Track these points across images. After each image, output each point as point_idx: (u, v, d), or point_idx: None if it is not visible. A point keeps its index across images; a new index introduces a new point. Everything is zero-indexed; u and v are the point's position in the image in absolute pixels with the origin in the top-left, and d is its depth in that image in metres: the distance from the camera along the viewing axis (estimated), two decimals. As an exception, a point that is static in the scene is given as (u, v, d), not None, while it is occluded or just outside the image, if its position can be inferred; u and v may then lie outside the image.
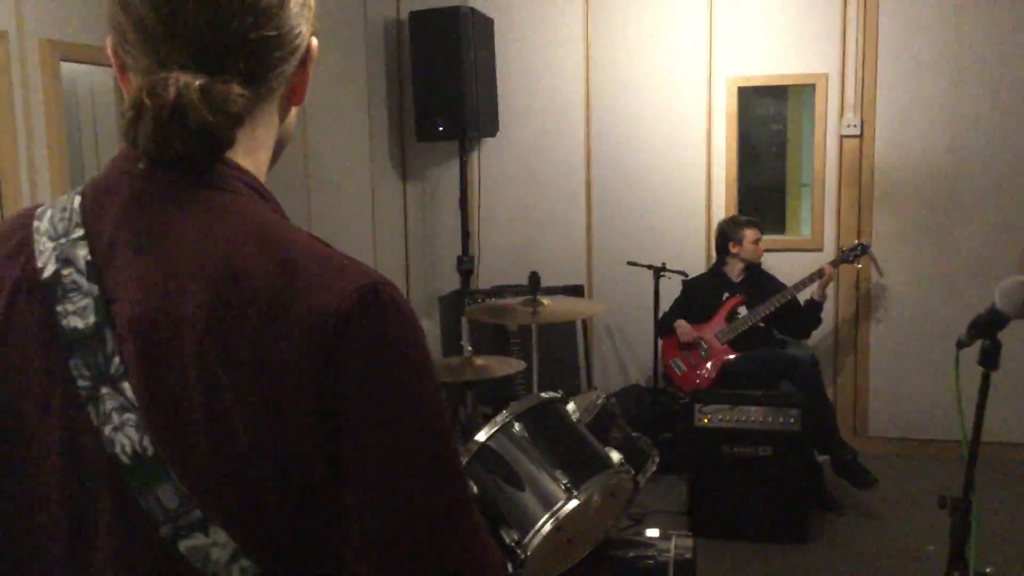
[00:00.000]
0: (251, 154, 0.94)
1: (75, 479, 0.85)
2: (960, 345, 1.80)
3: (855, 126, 5.04)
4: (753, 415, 4.03)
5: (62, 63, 2.94)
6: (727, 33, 5.16)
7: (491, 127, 5.28)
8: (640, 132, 5.30)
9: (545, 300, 3.26)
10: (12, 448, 0.87)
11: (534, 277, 3.29)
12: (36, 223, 0.90)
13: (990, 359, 1.68)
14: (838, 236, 5.15)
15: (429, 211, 5.69)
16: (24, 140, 2.87)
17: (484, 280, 5.53)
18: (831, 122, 5.10)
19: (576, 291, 5.20)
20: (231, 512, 0.83)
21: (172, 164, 0.86)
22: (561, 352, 5.18)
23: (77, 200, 0.90)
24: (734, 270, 4.87)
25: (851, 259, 4.83)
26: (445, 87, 4.89)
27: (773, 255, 5.06)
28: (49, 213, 0.90)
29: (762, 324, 4.75)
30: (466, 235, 5.33)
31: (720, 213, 5.19)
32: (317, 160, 4.49)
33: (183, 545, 0.82)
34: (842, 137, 5.09)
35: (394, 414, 0.84)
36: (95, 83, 3.17)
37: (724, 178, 5.25)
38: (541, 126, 5.43)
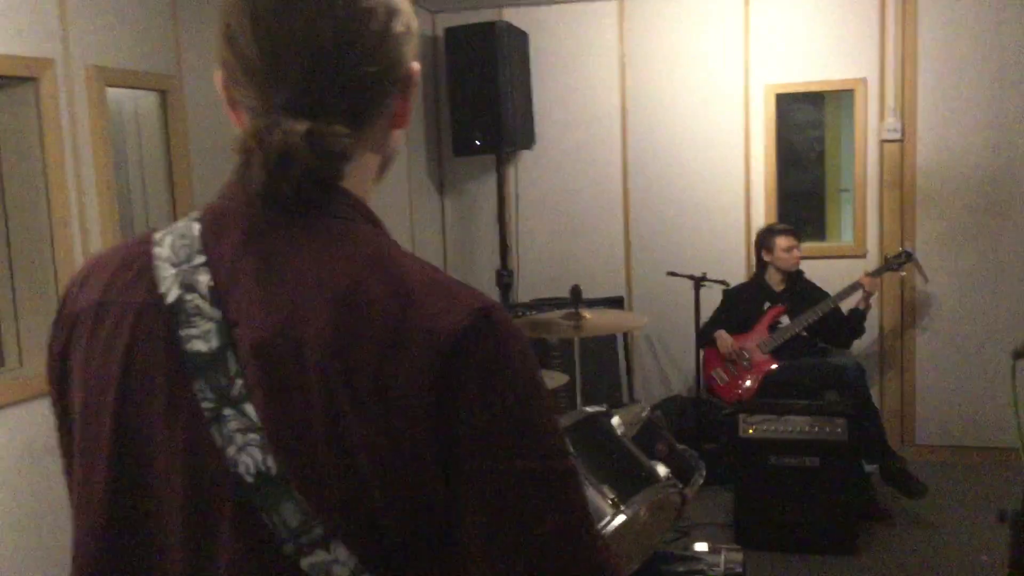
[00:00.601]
0: (358, 180, 0.96)
1: (198, 498, 0.87)
2: (1018, 355, 1.75)
3: (896, 130, 4.99)
4: (799, 425, 3.99)
5: (107, 88, 2.99)
6: (763, 40, 5.13)
7: (527, 140, 5.29)
8: (677, 141, 5.28)
9: (587, 313, 3.25)
10: (138, 468, 0.90)
11: (576, 290, 3.28)
12: (156, 249, 0.93)
13: None
14: (881, 242, 5.09)
15: (467, 225, 5.70)
16: (72, 165, 2.92)
17: (523, 294, 5.53)
18: (871, 127, 5.05)
19: (616, 303, 5.18)
20: (352, 529, 0.85)
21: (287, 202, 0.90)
22: (603, 364, 5.16)
23: (196, 227, 0.93)
24: (774, 279, 4.82)
25: (895, 267, 4.76)
26: (481, 101, 4.91)
27: (815, 263, 5.01)
28: (169, 239, 0.93)
29: (805, 333, 4.70)
30: (505, 248, 5.34)
31: (759, 221, 5.16)
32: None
33: (305, 562, 0.84)
34: (883, 142, 5.04)
35: (511, 434, 0.86)
36: (140, 107, 3.23)
37: (763, 185, 5.22)
38: (577, 138, 5.43)
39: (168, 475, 0.89)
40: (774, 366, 4.66)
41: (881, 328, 5.16)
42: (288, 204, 0.89)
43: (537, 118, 5.38)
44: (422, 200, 5.43)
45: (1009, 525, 1.73)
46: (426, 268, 0.90)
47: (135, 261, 0.94)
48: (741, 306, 4.84)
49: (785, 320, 4.72)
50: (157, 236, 0.95)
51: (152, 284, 0.91)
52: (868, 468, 4.41)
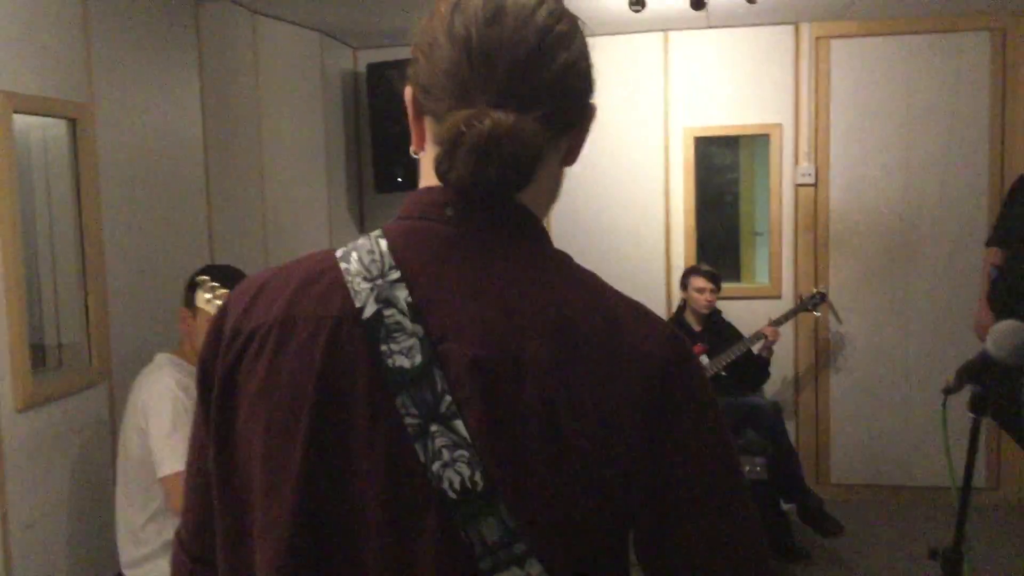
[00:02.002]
0: (538, 202, 1.00)
1: (397, 513, 0.88)
2: (947, 392, 1.77)
3: (810, 175, 5.11)
4: (719, 464, 3.98)
5: (14, 115, 2.87)
6: (683, 84, 5.21)
7: (450, 178, 5.26)
8: (598, 182, 5.31)
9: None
10: (333, 481, 0.90)
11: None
12: (344, 265, 0.94)
13: (981, 405, 1.65)
14: (796, 283, 5.19)
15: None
16: (-27, 193, 2.78)
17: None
18: (786, 171, 5.16)
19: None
20: (552, 546, 0.87)
21: (482, 201, 0.94)
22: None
23: (384, 243, 0.94)
24: (691, 319, 4.86)
25: (810, 307, 4.86)
26: (404, 138, 4.83)
27: (732, 303, 5.07)
28: (355, 255, 0.94)
29: (724, 373, 4.74)
30: (425, 286, 5.27)
31: (679, 262, 5.21)
32: (274, 210, 4.43)
33: None
34: (797, 186, 5.15)
35: (714, 451, 0.92)
36: (48, 136, 3.11)
37: (683, 227, 5.28)
38: (499, 177, 5.41)
39: (366, 490, 0.89)
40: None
41: (796, 368, 5.24)
42: (484, 206, 0.94)
43: (459, 156, 5.37)
44: (342, 236, 5.34)
45: (941, 563, 1.73)
46: (619, 292, 0.97)
47: (323, 276, 0.95)
48: (661, 346, 4.84)
49: (705, 359, 4.75)
50: (339, 253, 0.96)
51: (346, 298, 0.92)
52: (785, 507, 4.45)
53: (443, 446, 0.86)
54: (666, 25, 5.08)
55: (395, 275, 0.91)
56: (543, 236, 0.99)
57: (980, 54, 4.92)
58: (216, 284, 2.64)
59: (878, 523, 4.81)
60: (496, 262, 0.93)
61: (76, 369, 3.13)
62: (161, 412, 2.71)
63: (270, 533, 0.93)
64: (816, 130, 5.11)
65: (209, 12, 3.91)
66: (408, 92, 1.00)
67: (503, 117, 0.88)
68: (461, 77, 0.92)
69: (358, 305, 0.91)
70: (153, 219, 3.50)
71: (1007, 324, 1.60)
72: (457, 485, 0.86)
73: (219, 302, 2.66)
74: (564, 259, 0.98)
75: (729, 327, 4.88)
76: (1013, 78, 4.88)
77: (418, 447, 0.87)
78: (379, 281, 0.91)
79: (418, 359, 0.88)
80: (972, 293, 4.74)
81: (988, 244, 4.58)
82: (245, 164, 4.22)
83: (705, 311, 4.77)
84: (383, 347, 0.89)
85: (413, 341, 0.88)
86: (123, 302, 3.29)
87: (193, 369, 2.80)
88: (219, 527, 0.99)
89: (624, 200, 5.29)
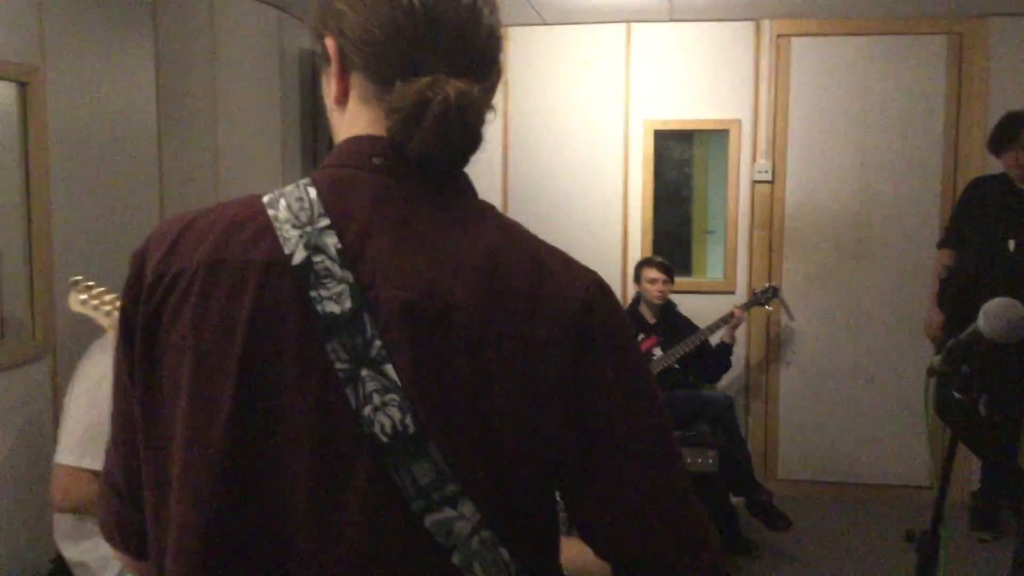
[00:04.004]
0: None
1: (327, 457, 0.89)
2: (932, 372, 1.77)
3: (767, 172, 5.14)
4: (672, 456, 3.99)
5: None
6: (644, 77, 5.22)
7: (407, 162, 5.20)
8: (558, 172, 5.29)
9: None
10: (261, 425, 0.90)
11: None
12: (272, 211, 0.93)
13: (968, 386, 1.65)
14: (750, 279, 5.22)
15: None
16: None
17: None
18: (744, 167, 5.19)
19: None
20: (484, 485, 0.89)
21: (417, 165, 0.94)
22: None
23: (312, 191, 0.94)
24: (646, 311, 4.86)
25: (762, 301, 4.89)
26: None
27: (687, 296, 5.09)
28: (283, 202, 0.94)
29: (677, 366, 4.75)
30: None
31: (637, 255, 5.21)
32: (228, 188, 4.33)
33: (429, 519, 0.87)
34: (754, 182, 5.18)
35: (641, 392, 0.95)
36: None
37: (640, 220, 5.28)
38: (458, 163, 5.36)
39: (296, 435, 0.89)
40: (646, 397, 4.66)
41: (747, 363, 5.27)
42: (434, 165, 0.94)
43: (417, 141, 5.30)
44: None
45: (916, 547, 1.73)
46: (545, 242, 0.98)
47: (251, 221, 0.94)
48: (615, 337, 4.84)
49: (658, 352, 4.75)
50: (266, 199, 0.96)
51: (275, 244, 0.91)
52: (734, 500, 4.47)
53: (374, 390, 0.87)
54: (629, 16, 5.08)
55: (324, 222, 0.91)
56: (469, 187, 1.00)
57: (937, 57, 4.99)
58: (92, 283, 2.46)
59: (824, 518, 4.86)
60: (423, 210, 0.93)
61: (19, 342, 3.03)
62: (83, 392, 2.55)
63: (192, 478, 0.92)
64: (774, 127, 5.14)
65: (166, -19, 3.81)
66: (331, 43, 0.98)
67: (465, 87, 0.90)
68: (405, 39, 0.93)
69: (287, 252, 0.91)
70: (103, 192, 3.39)
71: (999, 301, 1.60)
72: (388, 429, 0.87)
73: (96, 302, 2.52)
74: (490, 209, 0.99)
75: (685, 320, 4.88)
76: (968, 82, 4.95)
77: (349, 392, 0.87)
78: (308, 228, 0.91)
79: (348, 305, 0.88)
80: (923, 293, 4.80)
81: (939, 246, 4.65)
82: (199, 140, 4.12)
83: (658, 302, 4.77)
84: (312, 293, 0.89)
85: (343, 287, 0.89)
86: (70, 275, 3.19)
87: None
88: (145, 474, 0.99)
89: (583, 191, 5.27)
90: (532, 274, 0.92)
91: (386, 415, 0.87)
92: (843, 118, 5.08)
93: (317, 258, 0.90)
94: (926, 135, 5.02)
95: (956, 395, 1.67)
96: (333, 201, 0.93)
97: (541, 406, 0.90)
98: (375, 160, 0.95)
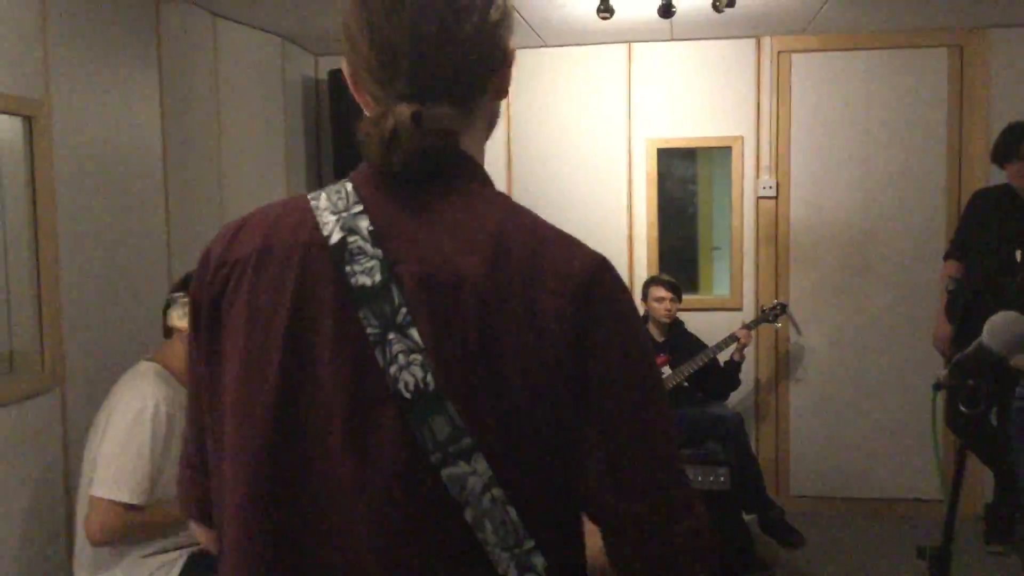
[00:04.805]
0: (474, 143, 1.13)
1: (359, 409, 1.00)
2: (938, 387, 1.76)
3: (771, 187, 5.14)
4: (683, 475, 3.97)
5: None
6: (646, 96, 5.23)
7: (412, 186, 5.21)
8: (561, 191, 5.30)
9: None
10: (307, 384, 1.03)
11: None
12: (314, 202, 1.09)
13: (975, 400, 1.64)
14: (757, 295, 5.21)
15: (347, 271, 5.55)
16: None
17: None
18: (747, 183, 5.19)
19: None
20: (496, 442, 0.98)
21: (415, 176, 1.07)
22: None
23: (349, 185, 1.09)
24: (654, 330, 4.85)
25: (771, 319, 4.88)
26: (365, 145, 4.82)
27: (694, 314, 5.08)
28: (324, 195, 1.09)
29: (686, 384, 4.74)
30: (386, 296, 5.21)
31: (642, 273, 5.20)
32: (234, 216, 4.35)
33: (445, 473, 0.97)
34: (758, 198, 5.18)
35: (631, 355, 1.03)
36: (3, 133, 3.01)
37: (645, 238, 5.28)
38: (462, 186, 5.37)
39: (333, 391, 1.01)
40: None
41: (756, 380, 5.26)
42: (406, 175, 1.05)
43: (421, 165, 5.31)
44: (301, 245, 5.27)
45: (929, 563, 1.72)
46: (546, 222, 1.09)
47: (295, 212, 1.09)
48: (624, 356, 4.82)
49: (667, 370, 4.75)
50: (311, 194, 1.10)
51: (315, 228, 1.06)
52: (746, 518, 4.44)
53: (400, 351, 0.99)
54: (630, 36, 5.10)
55: (358, 208, 1.05)
56: (481, 176, 1.12)
57: (938, 70, 5.00)
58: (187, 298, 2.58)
59: (837, 534, 4.83)
60: (440, 198, 1.06)
61: (28, 375, 3.03)
62: (122, 429, 2.56)
63: (244, 436, 1.05)
64: (777, 143, 5.15)
65: (170, 13, 3.84)
66: (345, 67, 1.13)
67: (403, 113, 1.02)
68: (372, 68, 1.07)
69: (325, 234, 1.05)
70: (110, 223, 3.41)
71: (1004, 315, 1.60)
72: (411, 386, 0.98)
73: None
74: (501, 195, 1.11)
75: (692, 338, 4.87)
76: (970, 94, 4.96)
77: (377, 353, 0.99)
78: (344, 214, 1.05)
79: (378, 278, 1.01)
80: (930, 306, 4.79)
81: (946, 257, 4.64)
82: (204, 169, 4.14)
83: (665, 320, 4.76)
84: (347, 268, 1.02)
85: (374, 263, 1.02)
86: (78, 307, 3.20)
87: (180, 389, 2.71)
88: (209, 443, 1.13)
89: (587, 209, 5.28)
90: (536, 250, 1.03)
91: (410, 373, 0.98)
92: (845, 132, 5.09)
93: (351, 239, 1.03)
94: (929, 148, 5.02)
95: (963, 409, 1.67)
96: (366, 191, 1.07)
97: (544, 368, 0.99)
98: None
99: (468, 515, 0.98)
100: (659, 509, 1.02)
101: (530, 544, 0.99)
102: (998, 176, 4.42)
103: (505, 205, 1.09)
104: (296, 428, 1.03)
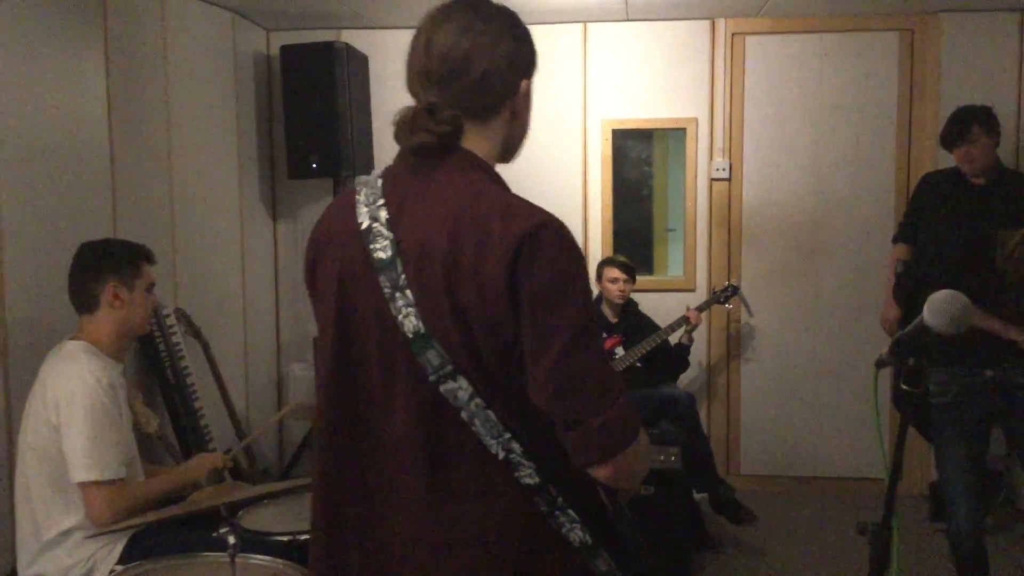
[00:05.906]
0: (484, 146, 1.52)
1: (384, 348, 1.44)
2: (880, 364, 1.78)
3: (724, 169, 5.17)
4: (634, 454, 3.99)
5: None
6: (601, 76, 5.23)
7: (366, 165, 5.16)
8: (516, 173, 5.24)
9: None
10: (352, 326, 1.48)
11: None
12: (357, 196, 1.51)
13: (916, 378, 1.66)
14: (709, 276, 5.25)
15: (300, 250, 5.50)
16: None
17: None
18: (701, 165, 5.21)
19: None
20: (468, 366, 1.38)
21: (424, 155, 1.47)
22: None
23: (379, 181, 1.51)
24: (607, 310, 4.87)
25: (722, 300, 4.92)
26: (318, 123, 4.76)
27: (648, 295, 5.11)
28: (364, 190, 1.51)
29: (639, 364, 4.76)
30: (339, 275, 5.16)
31: (597, 254, 5.21)
32: (183, 194, 4.28)
33: (442, 388, 1.39)
34: (712, 180, 5.21)
35: (549, 298, 1.34)
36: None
37: (600, 219, 5.29)
38: (416, 165, 5.33)
39: (368, 334, 1.46)
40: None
41: (708, 360, 5.31)
42: (423, 156, 1.46)
43: (376, 143, 5.27)
44: (255, 223, 5.21)
45: (869, 539, 1.74)
46: (519, 198, 1.44)
47: (347, 206, 1.52)
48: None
49: (620, 351, 4.77)
50: (359, 188, 1.52)
51: (355, 217, 1.48)
52: (697, 497, 4.49)
53: (403, 305, 1.40)
54: (585, 16, 5.09)
55: (380, 202, 1.47)
56: (477, 168, 1.49)
57: (889, 54, 5.05)
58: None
59: (786, 512, 4.90)
60: (429, 186, 1.45)
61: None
62: (77, 414, 2.58)
63: (323, 361, 1.53)
64: (730, 125, 5.17)
65: (116, -15, 3.75)
66: (406, 71, 1.55)
67: (419, 110, 1.46)
68: (416, 80, 1.52)
69: (359, 221, 1.47)
70: (54, 200, 3.33)
71: (943, 293, 1.62)
72: (411, 330, 1.39)
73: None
74: (480, 182, 1.46)
75: (646, 319, 4.90)
76: (920, 78, 5.02)
77: (391, 306, 1.41)
78: (372, 206, 1.47)
79: (389, 253, 1.42)
80: (879, 288, 4.85)
81: (895, 241, 4.69)
82: (152, 147, 4.06)
83: (619, 301, 4.78)
84: (371, 246, 1.44)
85: (387, 242, 1.43)
86: (19, 282, 3.13)
87: (110, 361, 2.70)
88: (316, 364, 1.90)
89: (541, 190, 5.22)
90: (487, 223, 1.36)
91: (410, 321, 1.39)
92: (798, 115, 5.13)
93: (375, 225, 1.45)
94: (879, 131, 5.08)
95: (904, 387, 1.69)
96: (387, 185, 1.49)
97: (491, 310, 1.35)
98: (411, 154, 1.49)
99: (464, 415, 1.39)
100: (588, 392, 1.34)
101: (508, 435, 1.39)
102: (947, 160, 4.47)
103: (479, 188, 1.43)
104: (348, 353, 1.48)
